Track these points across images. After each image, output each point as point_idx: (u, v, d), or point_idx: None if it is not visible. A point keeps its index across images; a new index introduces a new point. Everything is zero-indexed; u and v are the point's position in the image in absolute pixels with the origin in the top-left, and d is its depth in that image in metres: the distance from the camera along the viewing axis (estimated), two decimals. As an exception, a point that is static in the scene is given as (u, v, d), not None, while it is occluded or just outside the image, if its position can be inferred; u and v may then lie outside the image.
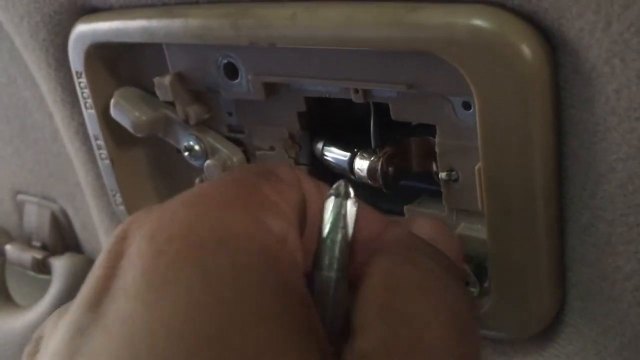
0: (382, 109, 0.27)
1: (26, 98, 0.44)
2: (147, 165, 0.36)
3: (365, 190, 0.30)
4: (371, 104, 0.28)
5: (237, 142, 0.32)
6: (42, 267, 0.48)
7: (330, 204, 0.20)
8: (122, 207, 0.37)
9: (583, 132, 0.22)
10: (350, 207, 0.20)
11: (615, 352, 0.24)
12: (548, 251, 0.24)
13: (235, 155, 0.32)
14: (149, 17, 0.29)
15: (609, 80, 0.20)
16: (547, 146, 0.22)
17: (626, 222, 0.22)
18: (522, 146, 0.22)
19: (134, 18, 0.30)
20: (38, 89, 0.41)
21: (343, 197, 0.20)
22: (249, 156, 0.32)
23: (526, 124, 0.22)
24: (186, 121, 0.32)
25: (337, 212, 0.20)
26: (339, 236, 0.19)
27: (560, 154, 0.23)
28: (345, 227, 0.19)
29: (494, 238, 0.25)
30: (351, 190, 0.20)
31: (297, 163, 0.31)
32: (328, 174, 0.31)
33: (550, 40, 0.21)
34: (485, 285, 0.26)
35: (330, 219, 0.19)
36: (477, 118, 0.23)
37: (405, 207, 0.29)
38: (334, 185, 0.20)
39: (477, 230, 0.26)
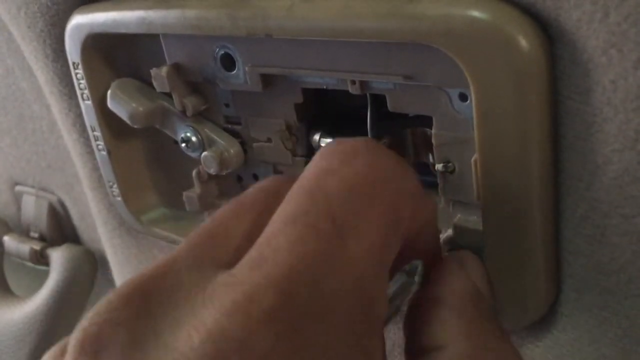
0: (379, 101, 0.27)
1: (24, 89, 0.44)
2: (144, 156, 0.36)
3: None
4: (368, 95, 0.28)
5: (234, 134, 0.32)
6: (40, 258, 0.49)
7: (398, 278, 0.21)
8: (119, 199, 0.37)
9: (580, 123, 0.22)
10: (413, 290, 0.21)
11: (610, 343, 0.24)
12: (543, 242, 0.24)
13: (232, 147, 0.32)
14: (145, 8, 0.29)
15: (606, 71, 0.20)
16: (544, 138, 0.22)
17: (621, 214, 0.22)
18: (519, 138, 0.22)
19: (130, 9, 0.30)
20: (36, 80, 0.41)
21: (414, 281, 0.21)
22: (246, 148, 0.32)
23: (523, 115, 0.22)
24: (183, 112, 0.32)
25: (400, 291, 0.20)
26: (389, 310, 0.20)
27: (557, 145, 0.23)
28: (400, 302, 0.20)
29: (489, 229, 0.25)
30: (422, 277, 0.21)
31: (294, 155, 0.31)
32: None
33: (547, 31, 0.21)
34: (482, 276, 0.26)
35: (390, 294, 0.20)
36: (474, 109, 0.23)
37: (402, 199, 0.29)
38: (411, 264, 0.21)
39: (473, 222, 0.26)
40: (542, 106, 0.22)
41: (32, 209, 0.49)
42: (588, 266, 0.24)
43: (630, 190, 0.21)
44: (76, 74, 0.34)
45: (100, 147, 0.36)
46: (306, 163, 0.31)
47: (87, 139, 0.37)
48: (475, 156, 0.24)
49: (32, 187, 0.49)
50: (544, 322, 0.26)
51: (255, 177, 0.33)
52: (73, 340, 0.16)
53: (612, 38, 0.19)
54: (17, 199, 0.50)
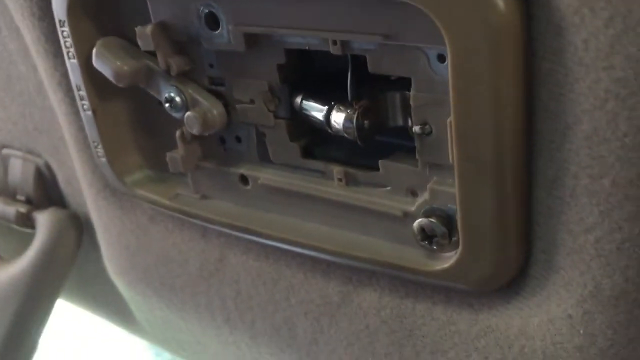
0: (360, 62, 0.27)
1: (11, 50, 0.44)
2: (128, 116, 0.37)
3: (342, 145, 0.31)
4: (349, 56, 0.28)
5: (218, 95, 0.32)
6: (26, 221, 0.49)
7: None
8: (103, 159, 0.37)
9: (553, 84, 0.22)
10: None
11: (576, 304, 0.24)
12: (515, 204, 0.24)
13: (215, 108, 0.32)
14: (131, -36, 0.29)
15: (578, 30, 0.20)
16: (518, 98, 0.23)
17: (590, 175, 0.22)
18: (493, 98, 0.23)
19: (116, -35, 0.30)
20: (23, 41, 0.41)
21: None
22: (229, 109, 0.32)
23: (497, 75, 0.22)
24: (168, 72, 0.32)
25: None
26: None
27: (531, 106, 0.23)
28: None
29: (462, 191, 0.25)
30: None
31: (276, 117, 0.31)
32: (307, 127, 0.31)
33: (523, -10, 0.21)
34: (454, 238, 0.27)
35: None
36: (449, 69, 0.23)
37: (380, 162, 0.29)
38: None
39: (449, 185, 0.27)
40: (517, 67, 0.22)
41: (19, 172, 0.49)
42: (557, 227, 0.24)
43: (599, 151, 0.21)
44: (62, 31, 0.34)
45: (85, 106, 0.36)
46: (288, 125, 0.31)
47: (73, 98, 0.37)
48: (451, 117, 0.24)
49: (19, 150, 0.49)
50: (513, 284, 0.27)
51: (238, 139, 0.33)
52: None
53: None
54: (4, 162, 0.50)
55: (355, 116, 0.28)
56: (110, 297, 0.50)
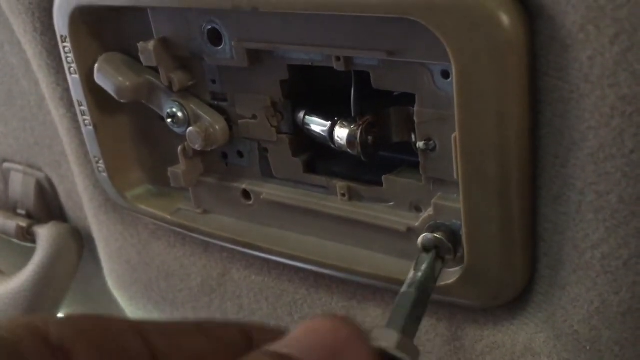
0: (363, 78, 0.27)
1: (13, 64, 0.44)
2: (130, 131, 0.36)
3: (345, 160, 0.30)
4: (352, 72, 0.28)
5: (220, 110, 0.32)
6: (27, 236, 0.48)
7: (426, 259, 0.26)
8: (104, 174, 0.37)
9: (557, 100, 0.22)
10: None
11: (582, 320, 0.24)
12: (520, 220, 0.24)
13: (218, 123, 0.32)
14: (133, -20, 0.29)
15: (584, 47, 0.20)
16: (522, 115, 0.23)
17: (596, 191, 0.22)
18: (498, 114, 0.23)
19: (119, -19, 0.30)
20: (25, 55, 0.41)
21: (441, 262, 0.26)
22: (231, 124, 0.32)
23: (502, 92, 0.22)
24: (170, 87, 0.32)
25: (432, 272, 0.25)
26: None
27: (535, 122, 0.23)
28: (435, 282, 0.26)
29: (467, 206, 0.25)
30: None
31: (279, 132, 0.31)
32: (309, 142, 0.31)
33: (527, 6, 0.21)
34: (459, 254, 0.27)
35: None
36: (454, 85, 0.23)
37: (383, 177, 0.29)
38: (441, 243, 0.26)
39: (453, 200, 0.27)
40: (521, 82, 0.22)
41: (20, 186, 0.49)
42: (563, 243, 0.24)
43: (605, 167, 0.21)
44: (64, 47, 0.34)
45: (86, 121, 0.36)
46: (290, 141, 0.31)
47: (75, 114, 0.37)
48: (455, 133, 0.24)
49: (20, 164, 0.49)
50: (519, 300, 0.26)
51: (240, 154, 0.33)
52: None
53: (589, 14, 0.20)
54: (5, 175, 0.50)
55: (359, 132, 0.28)
56: (111, 312, 0.50)
